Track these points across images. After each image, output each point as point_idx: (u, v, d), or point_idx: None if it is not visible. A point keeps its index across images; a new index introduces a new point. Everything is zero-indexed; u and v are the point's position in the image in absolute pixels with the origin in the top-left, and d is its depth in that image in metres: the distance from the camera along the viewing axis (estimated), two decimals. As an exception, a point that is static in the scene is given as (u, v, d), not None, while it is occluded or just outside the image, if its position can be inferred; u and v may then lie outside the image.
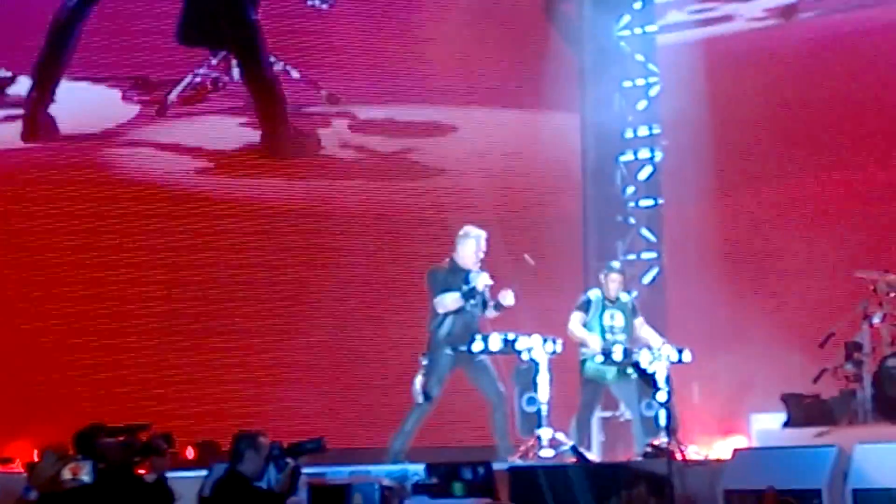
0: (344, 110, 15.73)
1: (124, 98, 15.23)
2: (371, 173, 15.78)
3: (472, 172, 15.88)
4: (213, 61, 15.33)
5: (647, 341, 12.26)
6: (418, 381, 11.96)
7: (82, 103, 15.25)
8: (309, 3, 15.39)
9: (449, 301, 11.98)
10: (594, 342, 12.11)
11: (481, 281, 11.94)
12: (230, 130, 15.43)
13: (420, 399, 11.93)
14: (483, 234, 12.21)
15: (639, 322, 12.46)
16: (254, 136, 15.46)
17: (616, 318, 12.32)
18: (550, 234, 15.90)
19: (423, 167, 15.97)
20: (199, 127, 15.34)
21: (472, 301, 11.96)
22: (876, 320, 11.97)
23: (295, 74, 15.26)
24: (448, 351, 11.99)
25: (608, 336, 12.21)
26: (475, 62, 15.98)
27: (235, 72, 15.10)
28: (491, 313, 12.12)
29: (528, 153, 16.23)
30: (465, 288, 11.93)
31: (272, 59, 15.28)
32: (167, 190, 15.22)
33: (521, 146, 16.24)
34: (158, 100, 15.13)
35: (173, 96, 15.11)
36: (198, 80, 15.13)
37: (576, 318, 12.26)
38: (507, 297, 11.95)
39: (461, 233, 12.27)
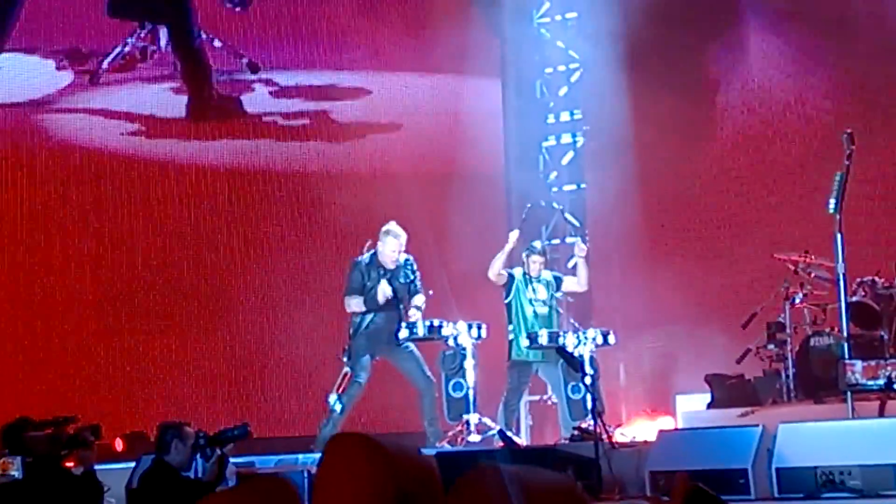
0: (265, 77, 16.03)
1: (58, 68, 15.62)
2: (290, 135, 16.07)
3: (389, 138, 16.16)
4: (142, 32, 15.73)
5: (581, 283, 12.40)
6: (334, 394, 12.00)
7: (16, 73, 15.54)
8: (227, 4, 15.57)
9: (353, 304, 12.06)
10: (511, 239, 12.24)
11: (380, 293, 11.97)
12: (158, 96, 15.77)
13: (334, 406, 11.95)
14: (403, 234, 12.24)
15: (567, 281, 12.56)
16: (181, 101, 15.79)
17: (539, 292, 12.36)
18: (474, 218, 15.93)
19: (341, 128, 16.16)
20: (128, 94, 15.75)
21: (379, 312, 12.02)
22: (797, 300, 12.08)
23: (217, 44, 15.67)
24: (367, 346, 12.02)
25: (531, 308, 12.25)
26: (391, 31, 16.15)
27: (163, 41, 15.53)
28: (415, 312, 12.15)
29: (449, 130, 16.29)
30: (377, 296, 11.98)
31: (198, 30, 15.68)
32: (98, 154, 15.54)
33: (441, 131, 16.32)
34: (91, 69, 15.56)
35: (105, 65, 15.53)
36: (127, 49, 15.57)
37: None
38: (416, 300, 12.04)
39: (383, 229, 12.30)
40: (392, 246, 12.16)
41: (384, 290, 11.98)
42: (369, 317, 12.06)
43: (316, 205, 15.95)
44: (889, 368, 3.64)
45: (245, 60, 15.79)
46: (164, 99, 15.77)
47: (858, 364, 3.82)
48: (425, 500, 3.37)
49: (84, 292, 15.58)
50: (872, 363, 3.75)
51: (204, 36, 15.51)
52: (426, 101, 16.32)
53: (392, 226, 12.30)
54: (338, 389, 12.03)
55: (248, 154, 15.96)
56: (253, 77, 15.92)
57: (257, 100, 16.03)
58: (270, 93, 16.07)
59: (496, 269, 12.32)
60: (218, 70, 15.78)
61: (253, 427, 9.99)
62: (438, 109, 16.27)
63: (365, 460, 3.38)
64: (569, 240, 15.76)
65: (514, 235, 12.50)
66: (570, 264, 15.62)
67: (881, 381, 3.66)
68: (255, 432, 9.74)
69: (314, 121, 16.17)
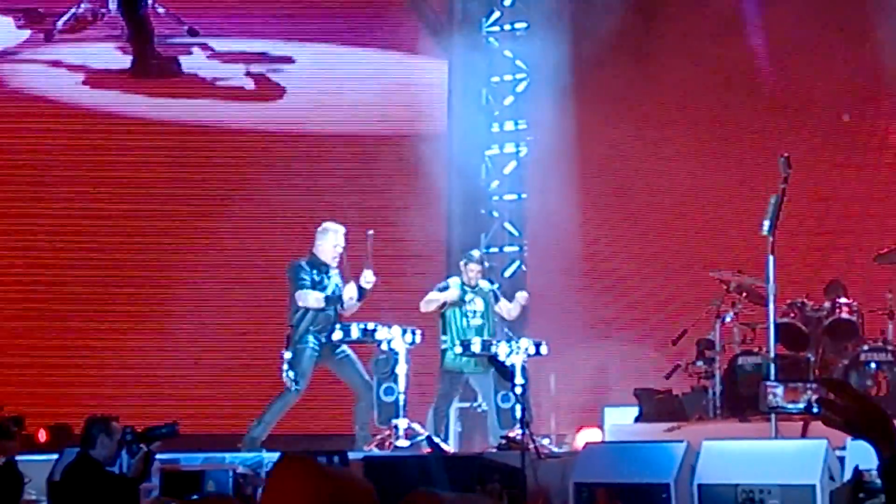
0: (202, 42, 16.63)
1: (18, 27, 16.53)
2: (227, 95, 16.55)
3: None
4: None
5: (512, 315, 12.41)
6: (286, 376, 11.97)
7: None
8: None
9: (312, 300, 12.01)
10: (451, 293, 12.20)
11: (347, 292, 11.97)
12: (107, 55, 16.48)
13: (292, 389, 11.94)
14: (341, 229, 12.24)
15: (502, 304, 12.57)
16: (126, 60, 16.50)
17: (476, 303, 12.39)
18: (413, 223, 15.99)
19: (269, 93, 16.49)
20: (80, 51, 16.48)
21: (336, 305, 12.01)
22: (728, 319, 12.19)
23: (161, 10, 16.40)
24: (311, 345, 12.00)
25: (466, 320, 12.29)
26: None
27: (113, 6, 16.32)
28: (352, 307, 12.15)
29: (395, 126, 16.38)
30: (329, 293, 11.96)
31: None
32: (49, 105, 16.23)
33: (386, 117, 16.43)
34: (46, 27, 16.45)
35: (59, 25, 16.38)
36: (80, 11, 16.44)
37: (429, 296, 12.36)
38: (367, 276, 12.01)
39: (320, 228, 12.31)
40: (332, 241, 12.15)
41: (350, 290, 11.94)
42: (312, 316, 12.00)
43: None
44: (809, 392, 3.72)
45: (186, 27, 16.47)
46: (111, 57, 16.46)
47: (780, 387, 3.89)
48: None
49: (10, 274, 15.55)
50: (793, 386, 3.83)
51: (150, 2, 16.34)
52: (366, 80, 16.39)
53: (329, 224, 12.31)
54: (291, 377, 11.95)
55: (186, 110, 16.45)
56: (192, 40, 16.58)
57: (195, 62, 16.60)
58: (208, 56, 16.65)
59: (428, 310, 12.33)
60: (160, 34, 16.48)
61: (181, 423, 9.99)
62: (382, 95, 16.31)
63: (308, 484, 3.45)
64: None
65: (453, 290, 12.45)
66: (508, 273, 15.77)
67: (801, 405, 3.75)
68: (183, 428, 9.72)
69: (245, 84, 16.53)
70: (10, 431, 9.65)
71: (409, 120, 16.36)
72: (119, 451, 8.49)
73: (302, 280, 12.07)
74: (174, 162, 16.22)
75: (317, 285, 12.04)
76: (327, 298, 11.98)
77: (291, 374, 11.93)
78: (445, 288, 12.40)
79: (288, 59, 16.51)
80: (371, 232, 12.18)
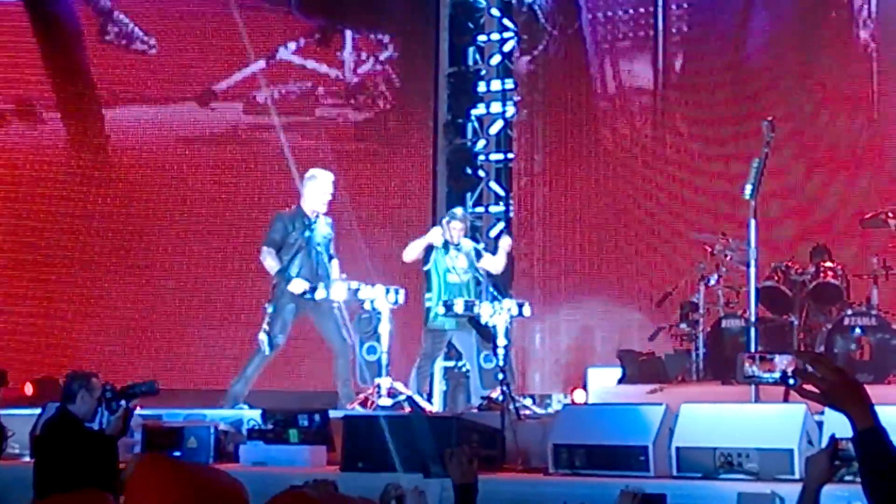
0: None
1: None
2: None
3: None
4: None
5: (497, 268, 12.38)
6: (263, 330, 11.96)
7: None
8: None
9: (268, 262, 12.00)
10: (433, 235, 12.18)
11: (294, 285, 11.91)
12: None
13: (265, 347, 11.93)
14: (330, 176, 12.19)
15: (485, 259, 12.54)
16: None
17: (458, 259, 12.34)
18: (400, 185, 15.99)
19: None
20: None
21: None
22: (712, 282, 12.19)
23: None
24: (293, 298, 11.98)
25: (450, 276, 12.27)
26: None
27: None
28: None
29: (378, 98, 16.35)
30: (297, 250, 11.95)
31: None
32: None
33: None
34: None
35: None
36: None
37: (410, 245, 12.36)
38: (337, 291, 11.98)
39: (307, 175, 12.25)
40: (318, 190, 12.09)
41: (298, 286, 11.87)
42: (294, 270, 11.98)
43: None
44: (786, 363, 3.73)
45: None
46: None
47: (757, 357, 3.91)
48: None
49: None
50: (770, 356, 3.84)
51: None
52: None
53: (316, 171, 12.24)
54: (267, 331, 11.95)
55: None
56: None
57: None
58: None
59: (410, 258, 12.32)
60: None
61: (163, 379, 9.99)
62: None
63: (170, 483, 3.40)
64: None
65: (435, 232, 12.43)
66: (493, 233, 15.76)
67: (777, 375, 3.76)
68: (165, 384, 9.72)
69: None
70: (-8, 385, 9.68)
71: (394, 79, 16.31)
72: (98, 408, 8.48)
73: (269, 234, 12.03)
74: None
75: (288, 241, 11.94)
76: (280, 272, 11.91)
77: (270, 327, 11.94)
78: (427, 247, 12.35)
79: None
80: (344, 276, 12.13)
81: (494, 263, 12.57)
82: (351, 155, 15.97)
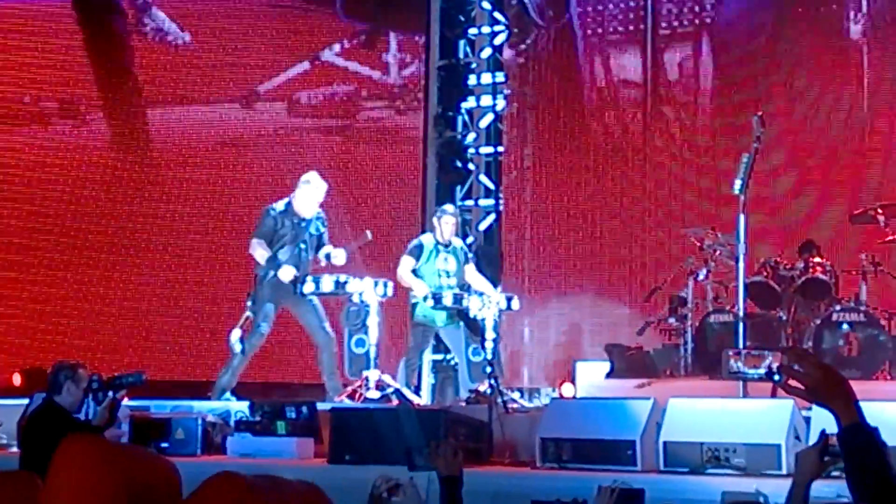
0: None
1: None
2: None
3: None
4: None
5: (476, 287, 12.36)
6: (237, 329, 11.97)
7: None
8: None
9: (258, 253, 12.01)
10: (420, 289, 12.13)
11: (283, 273, 11.92)
12: None
13: (235, 346, 11.93)
14: (323, 185, 12.23)
15: (469, 268, 12.52)
16: None
17: (449, 262, 12.34)
18: (390, 177, 15.98)
19: None
20: None
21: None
22: (701, 277, 12.19)
23: None
24: (272, 293, 11.99)
25: (441, 280, 12.27)
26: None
27: None
28: (322, 260, 12.15)
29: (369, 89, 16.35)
30: (282, 247, 11.96)
31: None
32: None
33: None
34: None
35: None
36: None
37: (405, 264, 12.25)
38: (339, 258, 12.00)
39: (303, 178, 12.28)
40: (311, 195, 12.13)
41: (287, 273, 11.88)
42: (282, 261, 12.00)
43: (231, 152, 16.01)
44: (770, 359, 3.73)
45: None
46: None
47: (742, 353, 3.92)
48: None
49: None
50: (755, 353, 3.85)
51: None
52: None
53: (312, 175, 12.28)
54: (242, 337, 12.01)
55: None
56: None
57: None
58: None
59: (403, 282, 12.27)
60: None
61: (150, 371, 9.98)
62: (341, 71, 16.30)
63: (96, 464, 3.35)
64: (482, 202, 15.84)
65: (427, 241, 12.35)
66: (483, 226, 15.74)
67: (761, 371, 3.76)
68: (152, 376, 9.72)
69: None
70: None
71: (385, 72, 16.32)
72: (85, 398, 8.46)
73: (259, 228, 12.07)
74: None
75: (277, 236, 11.97)
76: (269, 260, 11.92)
77: (254, 318, 11.96)
78: (417, 247, 12.30)
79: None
80: (369, 234, 12.17)
81: (475, 279, 12.45)
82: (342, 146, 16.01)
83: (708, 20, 14.81)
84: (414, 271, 12.19)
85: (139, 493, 3.31)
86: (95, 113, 15.85)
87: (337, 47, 16.13)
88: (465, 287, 12.38)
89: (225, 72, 15.92)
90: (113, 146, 15.87)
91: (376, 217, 15.50)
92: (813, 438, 5.29)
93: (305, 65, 16.09)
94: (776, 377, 3.98)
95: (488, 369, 10.95)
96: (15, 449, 9.99)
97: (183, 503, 3.32)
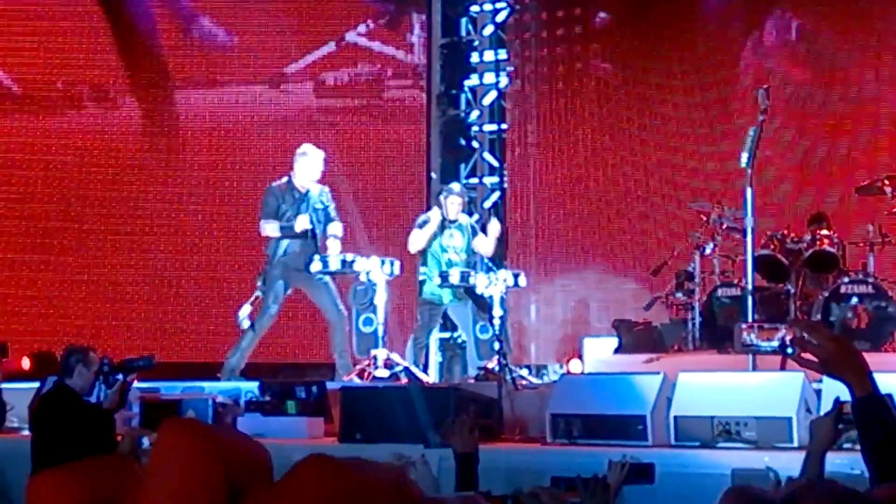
0: None
1: None
2: None
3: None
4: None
5: (488, 254, 12.38)
6: (246, 305, 11.99)
7: None
8: None
9: (268, 229, 12.03)
10: (432, 223, 12.14)
11: (299, 224, 11.93)
12: None
13: (243, 322, 11.96)
14: (321, 154, 12.22)
15: (478, 240, 12.54)
16: None
17: (455, 238, 12.37)
18: (395, 156, 15.97)
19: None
20: None
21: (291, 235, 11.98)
22: (707, 251, 12.18)
23: None
24: (282, 273, 12.01)
25: (447, 256, 12.29)
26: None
27: None
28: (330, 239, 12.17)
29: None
30: (288, 222, 11.95)
31: None
32: None
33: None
34: None
35: None
36: None
37: (412, 236, 12.33)
38: (335, 229, 12.04)
39: (299, 151, 12.27)
40: (308, 166, 12.13)
41: (303, 222, 11.95)
42: (285, 244, 12.04)
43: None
44: (784, 332, 3.73)
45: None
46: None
47: (755, 326, 3.92)
48: (255, 487, 3.40)
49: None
50: (768, 325, 3.84)
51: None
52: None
53: (308, 147, 12.29)
54: (251, 314, 12.03)
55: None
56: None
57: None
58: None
59: (416, 247, 12.29)
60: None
61: (161, 353, 10.01)
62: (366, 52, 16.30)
63: (195, 447, 3.40)
64: (486, 180, 15.85)
65: (435, 216, 12.42)
66: (487, 204, 15.75)
67: (775, 344, 3.77)
68: (163, 357, 9.74)
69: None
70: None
71: (388, 51, 16.31)
72: (95, 381, 8.49)
73: (263, 208, 12.09)
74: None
75: (280, 213, 12.00)
76: (282, 228, 11.95)
77: (263, 299, 11.99)
78: (425, 222, 12.35)
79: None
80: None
81: (485, 246, 12.54)
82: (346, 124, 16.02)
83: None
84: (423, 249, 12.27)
85: (236, 476, 3.35)
86: (125, 97, 15.89)
87: (362, 28, 16.15)
88: (472, 264, 12.40)
89: (252, 54, 15.95)
90: (142, 129, 15.91)
91: (378, 193, 15.51)
92: (824, 411, 5.29)
93: (331, 46, 16.11)
94: (789, 350, 3.99)
95: (496, 346, 10.95)
96: (26, 432, 10.01)
97: (276, 485, 3.35)
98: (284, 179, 12.18)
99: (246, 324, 11.95)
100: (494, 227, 12.66)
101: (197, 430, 3.47)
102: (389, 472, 3.41)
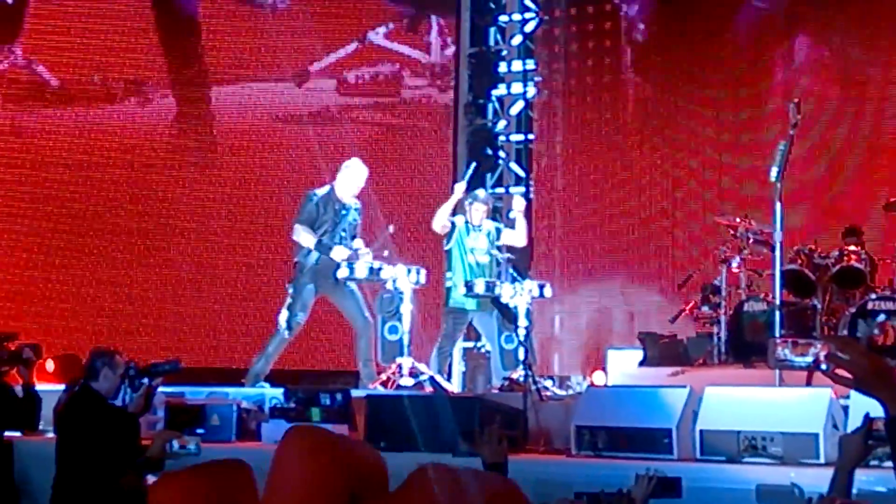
0: None
1: None
2: None
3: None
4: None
5: (518, 244, 12.40)
6: (284, 311, 12.00)
7: None
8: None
9: (302, 237, 12.03)
10: (457, 193, 12.25)
11: (336, 254, 11.94)
12: None
13: (284, 328, 11.97)
14: (365, 170, 12.25)
15: (506, 233, 12.55)
16: None
17: (479, 241, 12.37)
18: (422, 165, 15.99)
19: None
20: None
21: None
22: (734, 264, 12.14)
23: None
24: (312, 279, 12.01)
25: (472, 257, 12.28)
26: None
27: None
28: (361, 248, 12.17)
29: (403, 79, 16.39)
30: (325, 234, 11.96)
31: None
32: None
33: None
34: None
35: None
36: None
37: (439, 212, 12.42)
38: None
39: (346, 163, 12.31)
40: (352, 180, 12.16)
41: (340, 254, 11.92)
42: (316, 255, 12.03)
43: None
44: (817, 347, 3.71)
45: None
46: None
47: (788, 342, 3.90)
48: (373, 495, 3.43)
49: (19, 215, 15.55)
50: (802, 341, 3.82)
51: None
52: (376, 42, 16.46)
53: (354, 161, 12.32)
54: (288, 314, 12.03)
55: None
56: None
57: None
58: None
59: (440, 221, 12.33)
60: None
61: (186, 358, 10.01)
62: (386, 52, 16.36)
63: (320, 455, 3.43)
64: (512, 189, 15.84)
65: (459, 188, 12.51)
66: (512, 215, 15.73)
67: (809, 359, 3.74)
68: (188, 363, 9.74)
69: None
70: (29, 359, 9.69)
71: (417, 60, 16.36)
72: (121, 385, 8.49)
73: (301, 213, 12.10)
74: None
75: (318, 222, 12.00)
76: (318, 243, 11.95)
77: (291, 306, 11.99)
78: (451, 226, 12.36)
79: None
80: (391, 228, 12.21)
81: (516, 236, 12.58)
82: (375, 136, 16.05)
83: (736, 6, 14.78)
84: (448, 252, 12.27)
85: (356, 485, 3.38)
86: (160, 91, 16.01)
87: (383, 29, 16.26)
88: (496, 264, 12.41)
89: (280, 52, 16.05)
90: (176, 125, 16.03)
91: (405, 202, 15.51)
92: (851, 427, 5.26)
93: (354, 45, 16.25)
94: (823, 366, 3.96)
95: (521, 356, 10.93)
96: (51, 434, 10.03)
97: (393, 495, 3.38)
98: (326, 189, 12.18)
99: (284, 326, 11.97)
100: (519, 203, 12.68)
101: (321, 438, 3.50)
102: (500, 481, 3.43)
